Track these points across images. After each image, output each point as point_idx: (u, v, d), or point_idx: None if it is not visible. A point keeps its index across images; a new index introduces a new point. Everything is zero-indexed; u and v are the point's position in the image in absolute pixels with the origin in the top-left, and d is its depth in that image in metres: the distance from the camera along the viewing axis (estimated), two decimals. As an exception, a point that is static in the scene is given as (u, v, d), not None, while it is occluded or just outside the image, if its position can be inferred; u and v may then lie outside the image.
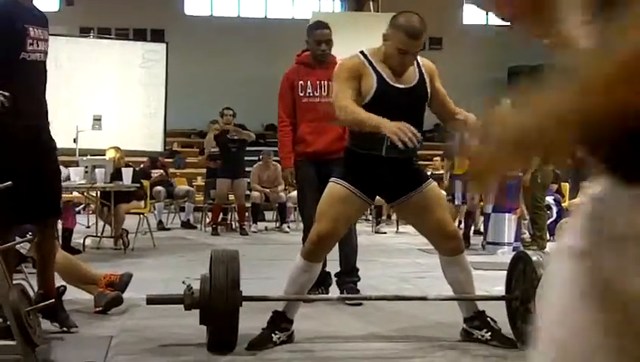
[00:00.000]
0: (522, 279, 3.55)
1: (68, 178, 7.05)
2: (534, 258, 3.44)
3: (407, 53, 3.31)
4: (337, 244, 4.80)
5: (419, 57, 3.50)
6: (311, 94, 4.84)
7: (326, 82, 4.75)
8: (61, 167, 6.86)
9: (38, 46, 3.54)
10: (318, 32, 4.88)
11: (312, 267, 3.53)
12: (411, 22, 3.31)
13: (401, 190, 3.56)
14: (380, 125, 3.13)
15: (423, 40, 3.35)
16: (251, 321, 3.53)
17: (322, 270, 4.88)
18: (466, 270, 3.62)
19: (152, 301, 3.57)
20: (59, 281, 3.95)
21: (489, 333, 3.58)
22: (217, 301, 3.27)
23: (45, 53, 3.60)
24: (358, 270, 4.86)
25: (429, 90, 3.50)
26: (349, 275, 4.80)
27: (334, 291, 4.80)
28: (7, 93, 3.39)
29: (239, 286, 3.33)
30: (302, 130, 4.85)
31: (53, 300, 3.53)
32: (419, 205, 3.55)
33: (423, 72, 3.49)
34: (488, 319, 3.62)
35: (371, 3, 15.20)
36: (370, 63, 3.40)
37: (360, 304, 4.50)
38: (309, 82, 4.84)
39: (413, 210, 3.61)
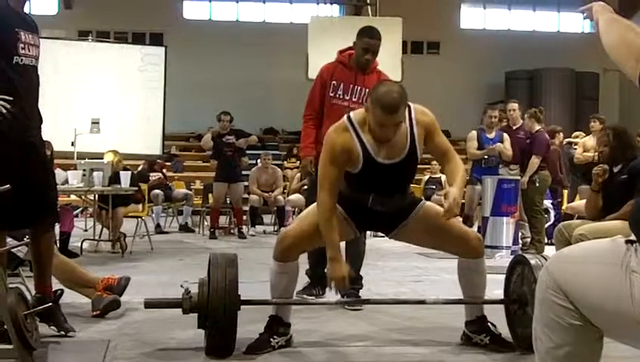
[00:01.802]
0: (521, 283, 3.54)
1: (66, 181, 7.05)
2: (533, 261, 3.43)
3: (386, 126, 3.22)
4: (345, 249, 4.76)
5: (414, 111, 3.36)
6: (340, 96, 4.74)
7: (359, 88, 4.72)
8: (59, 170, 6.90)
9: (29, 51, 3.52)
10: (367, 40, 4.72)
11: (287, 266, 3.51)
12: (388, 96, 3.18)
13: (395, 222, 3.56)
14: (330, 261, 3.35)
15: (400, 113, 3.21)
16: (249, 325, 3.53)
17: (320, 271, 4.86)
18: (483, 274, 3.61)
19: (150, 305, 3.56)
20: (56, 285, 3.95)
21: (488, 338, 3.57)
22: (216, 304, 3.26)
23: (36, 58, 3.59)
24: (361, 278, 4.83)
25: (419, 156, 3.42)
26: (351, 282, 4.76)
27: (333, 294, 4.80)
28: (9, 98, 3.38)
29: (238, 290, 3.33)
30: (324, 130, 4.78)
31: (50, 304, 3.52)
32: (420, 228, 3.51)
33: (415, 136, 3.35)
34: (488, 324, 3.62)
35: (369, 8, 15.21)
36: (358, 136, 3.32)
37: (360, 309, 4.49)
38: (342, 84, 4.74)
39: (417, 233, 3.57)
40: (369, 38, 4.73)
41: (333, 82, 4.75)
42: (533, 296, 3.15)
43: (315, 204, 3.58)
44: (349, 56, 4.81)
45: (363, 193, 3.44)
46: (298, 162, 13.57)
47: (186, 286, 3.46)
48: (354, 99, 4.71)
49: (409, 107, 3.35)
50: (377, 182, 3.40)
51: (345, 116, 3.42)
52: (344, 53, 4.87)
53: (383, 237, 10.82)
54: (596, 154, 8.87)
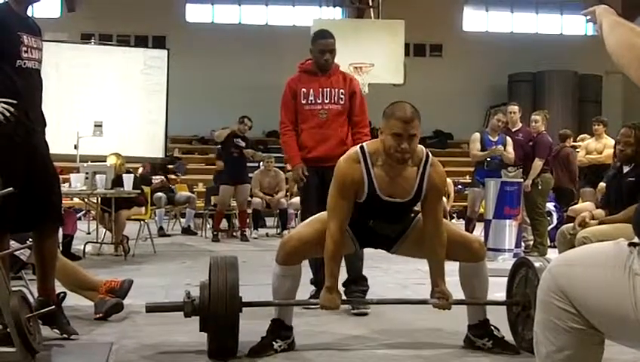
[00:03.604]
0: (524, 285, 3.54)
1: (66, 179, 7.05)
2: (536, 264, 3.42)
3: (402, 136, 3.23)
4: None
5: (431, 166, 3.39)
6: (313, 101, 4.85)
7: (328, 90, 4.84)
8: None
9: (32, 54, 3.53)
10: (322, 42, 4.89)
11: (289, 269, 3.52)
12: (403, 107, 3.28)
13: (395, 239, 3.60)
14: (326, 290, 3.39)
15: (415, 124, 3.25)
16: (252, 328, 3.53)
17: (323, 276, 4.84)
18: (485, 277, 3.62)
19: (151, 309, 3.56)
20: (59, 288, 3.95)
21: (491, 342, 3.57)
22: (217, 307, 3.26)
23: (39, 61, 3.60)
24: (366, 279, 4.82)
25: (420, 200, 3.44)
26: (356, 284, 4.75)
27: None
28: (13, 101, 3.39)
29: (238, 292, 3.33)
30: (303, 136, 4.87)
31: (53, 307, 3.52)
32: (419, 239, 3.52)
33: (423, 187, 3.38)
34: (491, 327, 3.62)
35: (372, 10, 15.21)
36: (367, 169, 3.34)
37: (364, 314, 4.46)
38: (311, 90, 4.85)
39: (416, 245, 3.58)
40: (322, 39, 4.89)
41: (303, 90, 4.85)
42: (536, 298, 3.15)
43: (319, 213, 3.59)
44: (311, 65, 4.94)
45: (364, 218, 3.48)
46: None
47: (187, 290, 3.46)
48: (326, 101, 4.84)
49: (428, 157, 3.39)
50: (377, 214, 3.46)
51: (358, 146, 3.44)
52: (305, 63, 5.00)
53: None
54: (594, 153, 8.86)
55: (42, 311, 3.35)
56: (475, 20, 21.72)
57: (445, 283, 3.44)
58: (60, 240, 6.33)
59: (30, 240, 3.80)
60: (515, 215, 7.81)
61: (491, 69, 20.22)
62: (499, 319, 3.68)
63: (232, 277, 3.32)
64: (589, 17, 1.98)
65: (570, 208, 8.30)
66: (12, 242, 3.91)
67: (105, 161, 8.43)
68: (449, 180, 12.32)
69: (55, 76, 9.99)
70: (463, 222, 9.16)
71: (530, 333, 3.37)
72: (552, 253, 7.12)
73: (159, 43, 18.44)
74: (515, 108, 8.71)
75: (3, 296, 3.00)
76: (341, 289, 4.70)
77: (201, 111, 18.57)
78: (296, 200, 11.23)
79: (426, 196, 3.39)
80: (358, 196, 3.37)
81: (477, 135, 8.49)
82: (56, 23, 17.59)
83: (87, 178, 7.26)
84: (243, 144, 10.03)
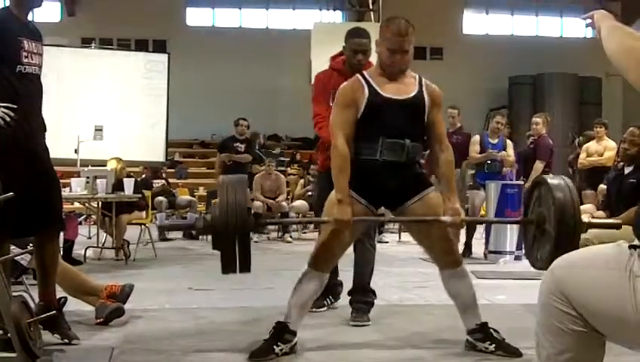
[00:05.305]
0: (538, 204, 3.44)
1: (66, 184, 7.05)
2: (550, 181, 3.34)
3: (396, 51, 3.42)
4: (353, 259, 4.62)
5: (425, 80, 3.58)
6: None
7: None
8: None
9: (32, 59, 3.53)
10: (356, 41, 4.63)
11: (321, 277, 3.53)
12: (397, 20, 3.48)
13: (402, 196, 3.55)
14: (338, 203, 3.37)
15: (409, 39, 3.44)
16: (254, 329, 3.52)
17: (334, 279, 4.76)
18: (467, 283, 3.61)
19: (163, 228, 3.51)
20: (60, 293, 3.95)
21: (493, 345, 3.55)
22: (228, 219, 3.18)
23: (40, 67, 3.60)
24: (373, 292, 4.61)
25: (427, 104, 3.52)
26: (362, 294, 4.56)
27: (343, 299, 4.77)
28: (13, 106, 3.39)
29: (247, 205, 3.28)
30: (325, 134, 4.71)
31: (54, 312, 3.52)
32: (418, 213, 3.53)
33: (424, 90, 3.56)
34: (491, 330, 3.60)
35: (372, 14, 15.24)
36: (367, 80, 3.51)
37: (366, 324, 4.36)
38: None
39: (421, 225, 3.57)
40: (357, 38, 4.65)
41: (332, 90, 4.59)
42: (550, 215, 3.16)
43: (327, 201, 3.54)
44: (343, 62, 4.71)
45: (372, 143, 3.47)
46: (301, 169, 13.58)
47: (202, 212, 3.38)
48: None
49: (420, 77, 3.61)
50: (384, 122, 3.45)
51: None
52: (337, 60, 4.77)
53: (387, 243, 10.79)
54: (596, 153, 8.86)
55: (43, 316, 3.34)
56: (475, 23, 21.74)
57: (457, 201, 3.49)
58: (61, 245, 6.34)
59: (31, 245, 3.80)
60: (516, 217, 7.81)
61: (492, 72, 20.23)
62: (498, 322, 3.67)
63: (241, 191, 3.29)
64: (588, 22, 2.00)
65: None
66: (13, 247, 3.91)
67: (105, 165, 8.43)
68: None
69: (55, 80, 9.99)
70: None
71: (544, 252, 3.25)
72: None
73: (160, 47, 18.46)
74: (455, 112, 8.80)
75: (4, 301, 3.00)
76: (346, 297, 4.67)
77: (201, 115, 18.58)
78: (298, 203, 11.24)
79: (430, 105, 3.53)
80: (361, 100, 3.45)
81: (477, 137, 8.49)
82: (57, 28, 17.62)
83: (87, 182, 7.25)
84: (242, 147, 10.01)
